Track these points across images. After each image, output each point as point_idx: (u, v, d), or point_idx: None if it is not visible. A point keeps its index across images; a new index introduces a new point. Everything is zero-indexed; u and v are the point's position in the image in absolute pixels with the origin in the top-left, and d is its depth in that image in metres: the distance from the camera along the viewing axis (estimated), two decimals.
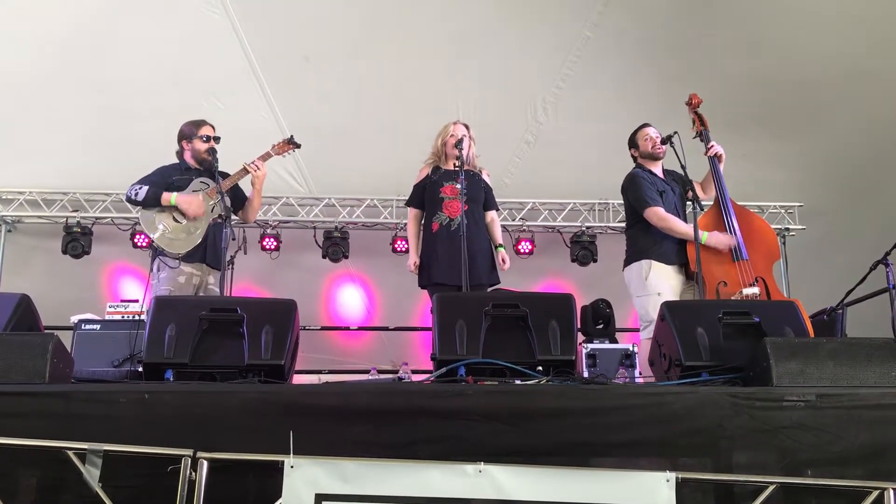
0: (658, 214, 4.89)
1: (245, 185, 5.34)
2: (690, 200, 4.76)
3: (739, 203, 5.25)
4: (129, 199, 5.08)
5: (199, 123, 5.23)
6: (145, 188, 4.99)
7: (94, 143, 7.03)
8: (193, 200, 5.00)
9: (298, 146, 5.40)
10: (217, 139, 5.15)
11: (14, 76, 6.51)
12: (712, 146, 5.06)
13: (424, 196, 5.36)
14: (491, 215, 5.45)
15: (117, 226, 7.70)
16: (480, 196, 5.36)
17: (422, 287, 5.31)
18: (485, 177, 5.46)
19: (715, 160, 5.04)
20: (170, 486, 2.65)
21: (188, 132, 5.21)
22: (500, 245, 5.38)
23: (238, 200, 5.28)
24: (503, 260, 5.31)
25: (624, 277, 5.10)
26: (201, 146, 5.13)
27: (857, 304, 5.62)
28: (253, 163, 5.13)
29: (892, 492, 2.67)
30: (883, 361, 3.08)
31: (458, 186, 5.01)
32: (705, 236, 4.72)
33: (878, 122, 6.81)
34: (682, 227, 4.84)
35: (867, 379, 3.05)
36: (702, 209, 4.80)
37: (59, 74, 6.53)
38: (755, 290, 4.55)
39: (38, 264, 7.78)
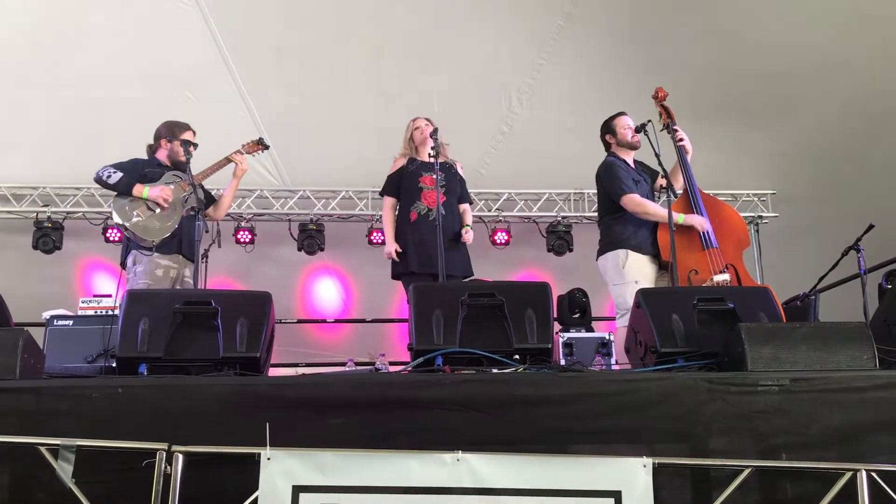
0: (635, 200, 4.91)
1: (222, 179, 5.30)
2: (665, 188, 4.79)
3: (713, 191, 5.31)
4: (99, 180, 5.02)
5: (183, 127, 5.19)
6: (119, 174, 4.96)
7: (64, 136, 6.93)
8: (165, 191, 4.98)
9: (267, 147, 5.43)
10: (196, 146, 5.11)
11: None
12: (680, 134, 5.10)
13: (401, 185, 5.34)
14: (464, 207, 5.44)
15: (89, 220, 7.60)
16: (457, 188, 5.38)
17: (395, 277, 5.30)
18: (459, 169, 5.46)
19: (682, 151, 5.08)
20: (145, 480, 2.63)
21: (168, 132, 5.16)
22: (468, 225, 5.34)
23: (206, 199, 5.24)
24: (465, 232, 5.25)
25: (598, 266, 5.11)
26: (180, 149, 5.08)
27: (829, 290, 5.69)
28: (237, 153, 5.13)
29: (864, 473, 2.70)
30: (855, 345, 3.12)
31: (437, 178, 5.01)
32: (681, 217, 4.77)
33: (849, 111, 6.88)
34: (660, 211, 4.87)
35: (840, 363, 3.08)
36: (676, 196, 4.84)
37: (29, 68, 6.44)
38: (726, 276, 4.60)
39: (8, 260, 7.65)
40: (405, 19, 6.42)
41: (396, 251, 5.21)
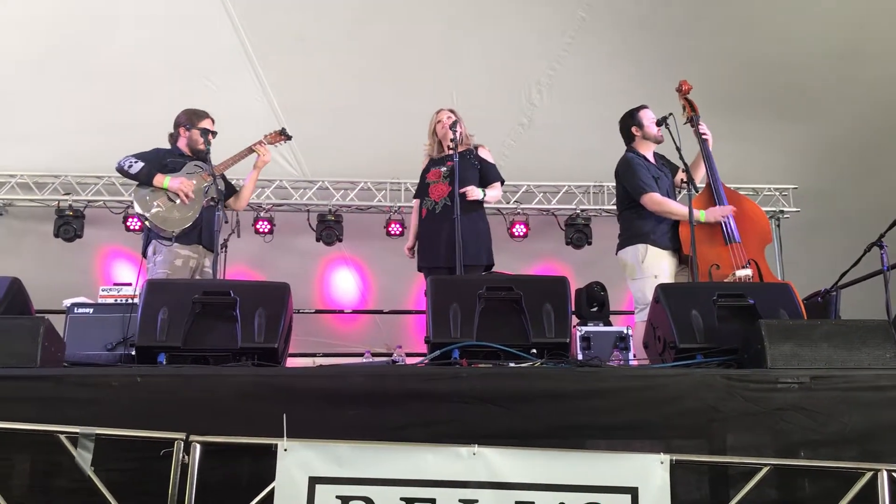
0: (654, 200, 4.89)
1: (243, 169, 5.31)
2: (686, 183, 4.76)
3: (734, 185, 5.26)
4: (120, 170, 5.05)
5: (202, 115, 5.21)
6: (140, 164, 4.98)
7: (85, 125, 6.98)
8: (185, 183, 4.99)
9: (289, 138, 5.43)
10: (214, 134, 5.12)
11: (4, 58, 6.45)
12: (703, 128, 5.07)
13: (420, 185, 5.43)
14: (493, 185, 5.33)
15: (110, 209, 7.66)
16: (471, 175, 5.24)
17: (419, 270, 5.33)
18: (482, 153, 5.39)
19: (706, 144, 5.04)
20: (163, 469, 2.64)
21: (187, 120, 5.18)
22: (483, 190, 5.19)
23: (225, 190, 5.26)
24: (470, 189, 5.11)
25: (618, 260, 5.09)
26: (199, 137, 5.10)
27: (851, 287, 5.62)
28: (261, 144, 5.15)
29: (885, 473, 2.67)
30: (877, 343, 3.07)
31: (444, 170, 5.00)
32: (703, 214, 4.74)
33: (872, 105, 6.80)
34: (680, 209, 4.84)
35: (861, 361, 3.04)
36: (696, 190, 4.80)
37: (51, 57, 6.48)
38: (748, 271, 4.57)
39: (29, 248, 7.74)
40: (425, 9, 6.40)
41: (409, 248, 5.37)
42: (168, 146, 5.25)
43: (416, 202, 5.51)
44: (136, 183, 5.06)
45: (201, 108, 5.28)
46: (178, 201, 4.99)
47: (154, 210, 4.95)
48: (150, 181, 4.97)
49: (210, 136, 5.06)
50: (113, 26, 6.31)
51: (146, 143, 5.20)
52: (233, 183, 5.48)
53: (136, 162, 4.98)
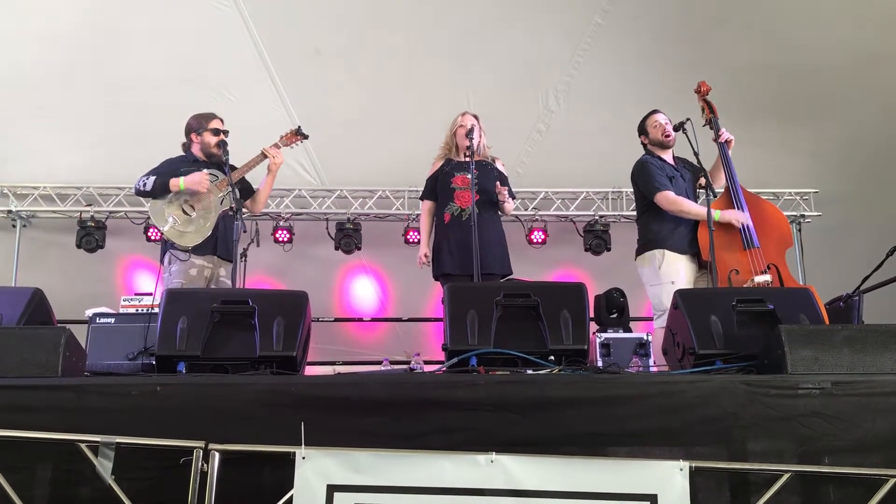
0: (668, 198, 4.86)
1: (257, 173, 5.34)
2: (703, 188, 4.73)
3: (755, 190, 5.21)
4: (138, 192, 5.07)
5: (209, 116, 5.22)
6: (153, 178, 4.97)
7: (107, 137, 7.05)
8: (201, 178, 4.96)
9: (306, 137, 5.40)
10: (226, 132, 5.14)
11: (27, 72, 6.54)
12: (723, 132, 5.03)
13: (437, 187, 5.35)
14: (510, 199, 5.35)
15: (131, 220, 7.72)
16: (492, 186, 5.32)
17: (435, 278, 5.31)
18: (498, 166, 5.42)
19: (725, 147, 5.01)
20: (182, 477, 2.66)
21: (197, 125, 5.20)
22: (505, 200, 5.22)
23: (244, 192, 5.25)
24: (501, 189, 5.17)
25: (636, 266, 5.07)
26: (211, 139, 5.12)
27: (873, 291, 5.55)
28: (271, 147, 5.14)
29: None
30: None
31: (470, 177, 4.99)
32: (718, 214, 4.70)
33: (892, 108, 6.73)
34: (694, 208, 4.81)
35: (884, 366, 3.00)
36: (715, 196, 4.77)
37: (72, 70, 6.56)
38: (767, 277, 4.52)
39: (52, 259, 7.82)
40: (441, 18, 6.43)
41: (427, 255, 5.26)
42: (182, 154, 5.24)
43: (427, 204, 5.41)
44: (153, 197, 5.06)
45: (224, 120, 5.28)
46: (193, 214, 4.99)
47: (169, 226, 4.94)
48: (168, 190, 4.95)
49: (223, 135, 5.08)
50: (134, 40, 6.38)
51: (167, 155, 5.23)
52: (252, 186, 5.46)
53: (149, 178, 4.97)
